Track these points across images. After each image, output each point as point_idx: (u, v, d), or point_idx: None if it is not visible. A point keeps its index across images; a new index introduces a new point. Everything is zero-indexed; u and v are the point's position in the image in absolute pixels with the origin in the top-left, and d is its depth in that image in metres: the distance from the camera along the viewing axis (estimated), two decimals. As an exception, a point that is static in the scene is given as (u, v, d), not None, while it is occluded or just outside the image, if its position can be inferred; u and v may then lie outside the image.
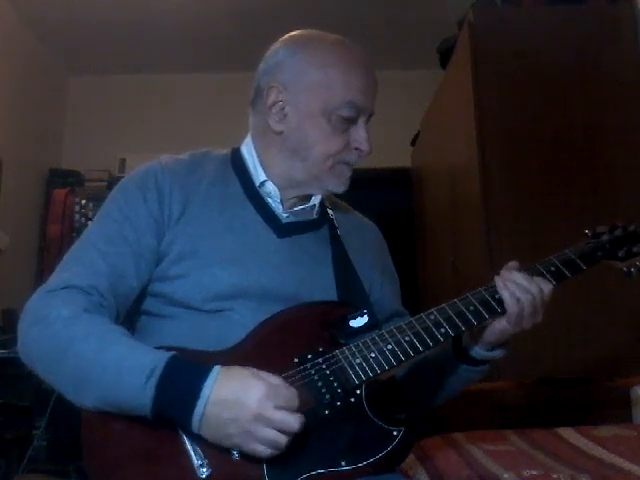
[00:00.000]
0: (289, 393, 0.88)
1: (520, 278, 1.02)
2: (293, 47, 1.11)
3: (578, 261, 1.08)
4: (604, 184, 2.24)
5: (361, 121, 1.09)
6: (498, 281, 1.03)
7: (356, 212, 1.30)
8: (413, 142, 3.72)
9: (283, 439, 0.86)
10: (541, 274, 1.05)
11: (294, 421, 0.86)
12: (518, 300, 1.00)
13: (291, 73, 1.09)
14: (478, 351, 1.07)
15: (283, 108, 1.10)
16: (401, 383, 1.17)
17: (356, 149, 1.10)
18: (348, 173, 1.12)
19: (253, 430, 0.86)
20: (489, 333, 1.04)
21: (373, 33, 3.61)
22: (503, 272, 1.05)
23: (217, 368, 0.90)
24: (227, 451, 0.90)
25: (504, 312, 1.01)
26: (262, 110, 1.12)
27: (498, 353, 1.08)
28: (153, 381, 0.88)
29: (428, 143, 3.37)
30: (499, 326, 1.02)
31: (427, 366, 1.14)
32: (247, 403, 0.86)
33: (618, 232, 1.12)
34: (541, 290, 1.02)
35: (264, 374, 0.89)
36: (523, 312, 1.01)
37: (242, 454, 0.90)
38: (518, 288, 1.01)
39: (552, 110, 2.31)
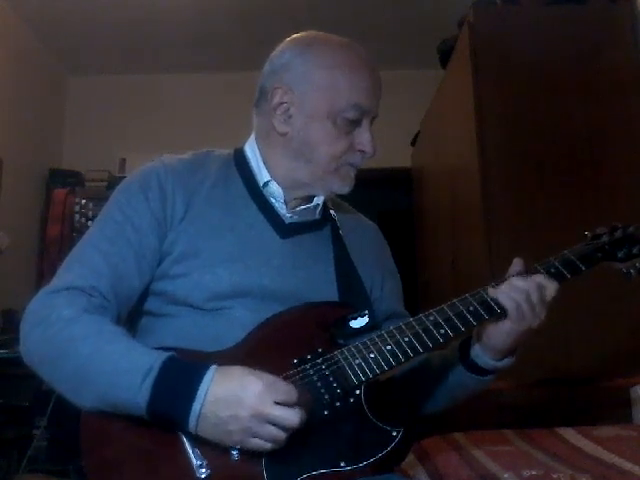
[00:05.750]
0: (287, 387, 0.89)
1: (514, 280, 1.02)
2: (299, 48, 1.11)
3: (578, 262, 1.07)
4: (604, 184, 2.24)
5: (365, 123, 1.09)
6: (489, 289, 1.03)
7: (358, 213, 1.29)
8: (413, 142, 3.72)
9: (283, 435, 0.87)
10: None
11: (294, 416, 0.86)
12: (513, 299, 1.00)
13: (297, 74, 1.09)
14: (487, 361, 1.06)
15: (288, 109, 1.09)
16: (402, 386, 1.17)
17: (360, 151, 1.10)
18: (352, 174, 1.12)
19: (253, 427, 0.86)
20: (497, 339, 1.03)
21: (373, 33, 3.61)
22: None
23: (213, 367, 0.90)
24: (226, 452, 0.90)
25: (503, 312, 1.01)
26: (267, 111, 1.12)
27: (507, 362, 1.07)
28: (149, 382, 0.88)
29: (428, 143, 3.38)
30: (505, 328, 1.02)
31: (432, 374, 1.14)
32: (245, 400, 0.86)
33: (618, 233, 1.12)
34: (539, 286, 1.01)
35: (260, 372, 0.89)
36: (521, 308, 1.00)
37: (242, 454, 0.90)
38: (511, 288, 1.01)
39: (552, 110, 2.32)
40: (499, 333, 1.03)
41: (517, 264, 1.07)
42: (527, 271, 1.05)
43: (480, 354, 1.06)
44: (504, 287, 1.02)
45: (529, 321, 1.01)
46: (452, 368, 1.10)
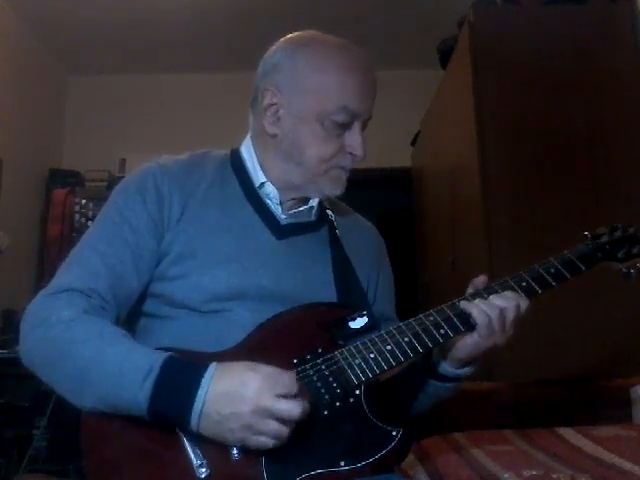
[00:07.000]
0: (286, 378, 0.88)
1: (491, 298, 1.01)
2: (291, 49, 1.10)
3: (578, 262, 1.07)
4: (604, 184, 2.24)
5: (356, 125, 1.08)
6: (464, 303, 1.02)
7: (356, 213, 1.29)
8: (413, 142, 3.72)
9: (285, 429, 0.87)
10: (540, 276, 1.05)
11: (295, 408, 0.86)
12: (486, 315, 0.99)
13: (287, 75, 1.08)
14: (447, 369, 1.06)
15: (277, 111, 1.09)
16: (401, 385, 1.17)
17: (350, 154, 1.09)
18: (344, 177, 1.11)
19: (254, 423, 0.86)
20: (461, 349, 1.03)
21: (373, 33, 3.61)
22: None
23: (213, 365, 0.90)
24: (227, 451, 0.90)
25: (473, 328, 1.01)
26: (259, 112, 1.12)
27: (467, 371, 1.07)
28: (150, 381, 0.88)
29: (428, 143, 3.38)
30: (470, 340, 1.01)
31: (400, 379, 1.13)
32: (246, 396, 0.86)
33: (618, 234, 1.12)
34: (517, 306, 1.00)
35: (258, 366, 0.89)
36: (492, 324, 0.99)
37: (242, 454, 0.90)
38: (485, 304, 1.00)
39: (552, 110, 2.32)
40: (465, 347, 1.02)
41: (480, 280, 1.07)
42: (527, 272, 1.05)
43: (441, 362, 1.06)
44: (479, 301, 1.01)
45: (497, 338, 1.01)
46: (415, 376, 1.09)
